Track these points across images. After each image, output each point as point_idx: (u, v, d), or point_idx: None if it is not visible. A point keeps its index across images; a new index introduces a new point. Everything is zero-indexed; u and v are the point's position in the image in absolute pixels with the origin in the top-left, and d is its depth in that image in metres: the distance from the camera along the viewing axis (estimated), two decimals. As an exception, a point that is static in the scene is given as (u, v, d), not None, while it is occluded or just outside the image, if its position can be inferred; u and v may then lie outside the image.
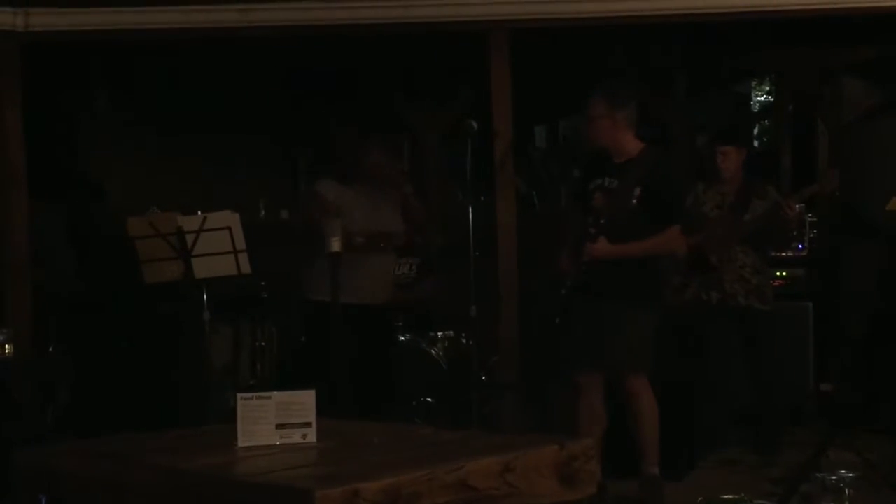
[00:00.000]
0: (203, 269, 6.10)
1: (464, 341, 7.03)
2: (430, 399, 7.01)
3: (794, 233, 6.69)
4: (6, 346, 6.62)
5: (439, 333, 7.12)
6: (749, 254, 6.71)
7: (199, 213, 6.11)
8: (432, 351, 6.98)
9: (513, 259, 6.86)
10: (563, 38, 7.64)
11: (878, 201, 6.58)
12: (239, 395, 3.34)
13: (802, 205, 7.84)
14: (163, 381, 7.54)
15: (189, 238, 6.04)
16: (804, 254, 7.90)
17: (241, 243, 6.11)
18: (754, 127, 11.58)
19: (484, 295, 6.11)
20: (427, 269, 7.63)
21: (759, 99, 11.99)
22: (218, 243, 6.07)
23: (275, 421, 3.35)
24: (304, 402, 3.38)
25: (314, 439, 3.36)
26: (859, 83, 8.54)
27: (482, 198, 6.83)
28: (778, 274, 7.74)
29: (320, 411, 3.42)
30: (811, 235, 7.94)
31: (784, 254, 7.79)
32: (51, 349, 7.58)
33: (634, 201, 5.54)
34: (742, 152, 6.85)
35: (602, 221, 5.56)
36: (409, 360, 7.03)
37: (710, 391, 6.72)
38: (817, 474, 5.26)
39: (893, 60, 8.09)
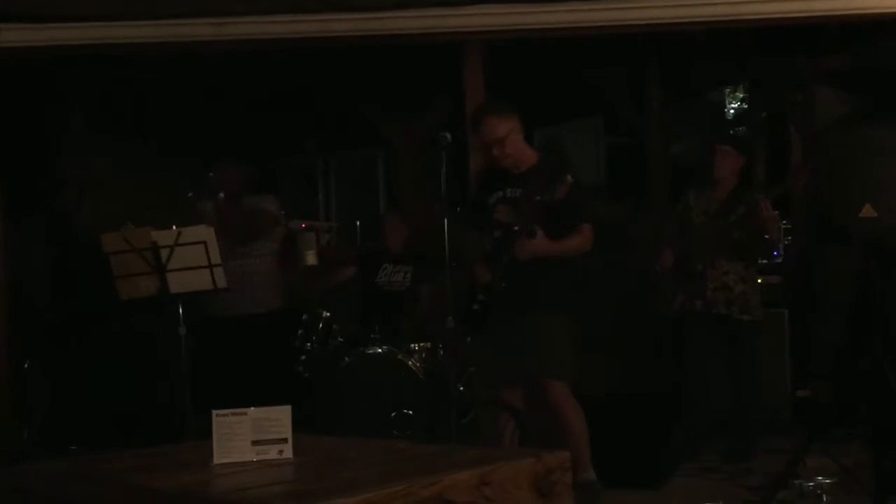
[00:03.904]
0: (178, 284, 6.08)
1: (441, 352, 7.01)
2: (408, 411, 6.98)
3: (769, 235, 6.68)
4: (-20, 363, 6.60)
5: (416, 345, 7.10)
6: (734, 260, 6.72)
7: (174, 227, 6.09)
8: (409, 362, 6.95)
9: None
10: (537, 49, 7.65)
11: (852, 208, 6.61)
12: (214, 412, 3.31)
13: (776, 212, 7.90)
14: (140, 397, 7.51)
15: (164, 253, 6.02)
16: (780, 261, 7.92)
17: (216, 258, 6.09)
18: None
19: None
20: (420, 278, 7.61)
21: (733, 107, 12.04)
22: (193, 258, 6.05)
23: (251, 437, 3.33)
24: (279, 417, 3.36)
25: (291, 455, 3.34)
26: (832, 92, 8.59)
27: (458, 209, 6.82)
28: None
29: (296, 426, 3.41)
30: (786, 242, 7.96)
31: (760, 260, 7.82)
32: (26, 365, 7.55)
33: (556, 199, 5.43)
34: (740, 160, 6.91)
35: (531, 224, 5.52)
36: (386, 371, 7.00)
37: (690, 400, 6.73)
38: (795, 481, 5.29)
39: (866, 70, 8.13)
